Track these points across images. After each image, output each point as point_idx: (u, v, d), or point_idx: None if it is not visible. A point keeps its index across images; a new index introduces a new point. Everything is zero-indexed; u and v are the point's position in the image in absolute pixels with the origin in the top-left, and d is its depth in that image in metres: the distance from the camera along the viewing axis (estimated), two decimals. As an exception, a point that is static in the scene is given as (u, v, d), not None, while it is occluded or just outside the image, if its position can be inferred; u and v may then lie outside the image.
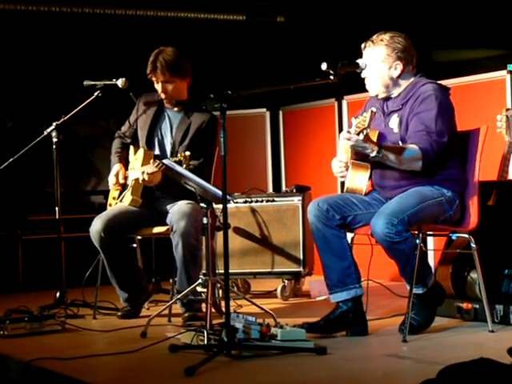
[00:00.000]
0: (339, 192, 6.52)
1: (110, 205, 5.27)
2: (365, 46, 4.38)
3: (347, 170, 4.38)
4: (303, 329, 4.11)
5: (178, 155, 4.78)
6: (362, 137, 3.98)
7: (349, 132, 4.02)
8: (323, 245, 4.33)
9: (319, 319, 4.34)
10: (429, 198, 4.23)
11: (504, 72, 5.72)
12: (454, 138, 4.32)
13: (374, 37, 4.37)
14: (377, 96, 4.42)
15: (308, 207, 4.41)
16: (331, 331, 4.31)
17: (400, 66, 4.33)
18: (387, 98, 4.41)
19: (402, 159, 4.16)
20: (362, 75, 4.39)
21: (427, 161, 4.17)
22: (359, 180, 4.35)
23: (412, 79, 4.37)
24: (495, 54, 8.92)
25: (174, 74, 5.05)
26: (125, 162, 5.28)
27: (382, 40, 4.33)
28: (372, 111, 4.00)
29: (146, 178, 4.92)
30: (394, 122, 4.34)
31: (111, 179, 5.22)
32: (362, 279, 4.39)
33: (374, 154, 4.09)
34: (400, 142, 4.26)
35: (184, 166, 4.64)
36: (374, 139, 4.23)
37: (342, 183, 4.60)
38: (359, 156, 4.28)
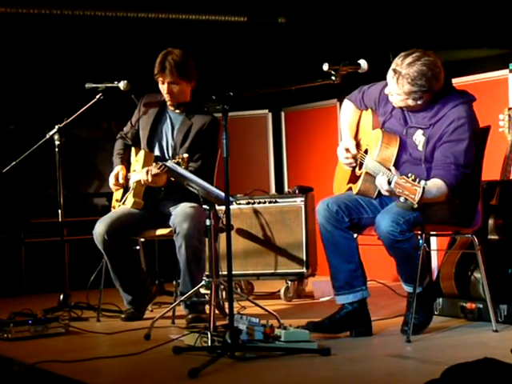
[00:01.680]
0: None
1: (114, 207, 5.27)
2: (390, 75, 4.16)
3: (355, 160, 4.34)
4: (307, 328, 4.12)
5: (177, 157, 4.79)
6: (403, 199, 3.81)
7: (389, 183, 3.85)
8: (331, 246, 4.32)
9: (324, 318, 4.34)
10: (437, 202, 4.19)
11: (506, 71, 5.71)
12: None
13: (402, 67, 4.10)
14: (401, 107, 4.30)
15: (316, 208, 4.38)
16: (336, 331, 4.31)
17: (426, 96, 4.16)
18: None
19: (431, 199, 4.00)
20: (386, 91, 4.23)
21: (451, 192, 4.10)
22: (373, 184, 4.24)
23: (440, 96, 4.19)
24: (497, 53, 8.90)
25: (182, 77, 5.06)
26: (127, 164, 5.29)
27: (407, 76, 4.08)
28: (424, 188, 3.76)
29: (150, 179, 4.92)
30: (418, 138, 4.21)
31: (110, 180, 5.23)
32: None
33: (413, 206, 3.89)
34: (423, 164, 4.16)
35: (182, 167, 4.64)
36: (396, 147, 4.18)
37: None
38: None
